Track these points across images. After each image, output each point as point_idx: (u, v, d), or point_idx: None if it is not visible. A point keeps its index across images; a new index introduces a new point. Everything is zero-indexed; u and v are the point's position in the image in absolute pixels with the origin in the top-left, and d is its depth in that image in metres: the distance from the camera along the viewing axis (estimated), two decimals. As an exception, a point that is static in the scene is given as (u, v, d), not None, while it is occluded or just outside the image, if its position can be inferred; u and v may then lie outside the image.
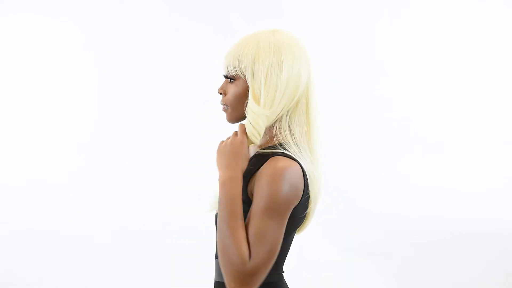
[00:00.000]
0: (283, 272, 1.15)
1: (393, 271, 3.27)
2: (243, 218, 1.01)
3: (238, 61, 1.06)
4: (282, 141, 1.07)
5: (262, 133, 1.06)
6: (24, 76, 4.77)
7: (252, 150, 1.15)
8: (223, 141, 1.11)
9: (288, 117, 1.08)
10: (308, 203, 1.08)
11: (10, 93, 4.76)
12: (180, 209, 3.87)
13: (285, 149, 1.06)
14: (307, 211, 1.08)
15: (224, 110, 1.14)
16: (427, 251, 3.59)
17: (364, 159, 4.77)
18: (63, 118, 4.77)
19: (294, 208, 1.04)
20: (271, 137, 1.10)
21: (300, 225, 1.11)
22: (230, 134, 1.12)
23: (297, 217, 1.07)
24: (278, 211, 1.00)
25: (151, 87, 4.80)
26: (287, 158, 1.03)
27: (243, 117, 1.11)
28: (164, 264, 3.30)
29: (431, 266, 3.35)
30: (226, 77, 1.11)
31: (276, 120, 1.08)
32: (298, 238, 1.21)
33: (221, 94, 1.13)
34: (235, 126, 1.13)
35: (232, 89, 1.10)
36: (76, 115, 4.78)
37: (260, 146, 1.12)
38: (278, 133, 1.08)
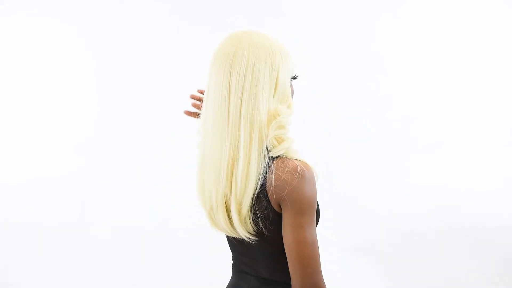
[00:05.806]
0: (234, 264, 1.31)
1: (393, 270, 3.27)
2: None
3: None
4: None
5: None
6: (25, 76, 4.76)
7: None
8: None
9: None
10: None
11: (11, 93, 4.76)
12: (180, 207, 3.87)
13: None
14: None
15: None
16: (427, 251, 3.58)
17: (364, 159, 4.77)
18: (63, 117, 4.77)
19: None
20: None
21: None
22: None
23: None
24: None
25: (152, 87, 4.80)
26: None
27: None
28: (163, 261, 3.30)
29: (431, 265, 3.35)
30: None
31: None
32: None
33: None
34: None
35: None
36: (76, 114, 4.78)
37: None
38: None
